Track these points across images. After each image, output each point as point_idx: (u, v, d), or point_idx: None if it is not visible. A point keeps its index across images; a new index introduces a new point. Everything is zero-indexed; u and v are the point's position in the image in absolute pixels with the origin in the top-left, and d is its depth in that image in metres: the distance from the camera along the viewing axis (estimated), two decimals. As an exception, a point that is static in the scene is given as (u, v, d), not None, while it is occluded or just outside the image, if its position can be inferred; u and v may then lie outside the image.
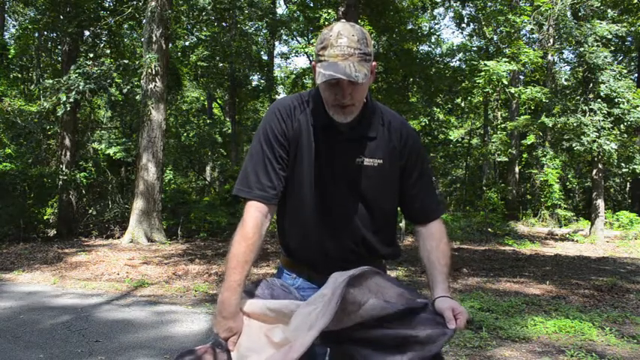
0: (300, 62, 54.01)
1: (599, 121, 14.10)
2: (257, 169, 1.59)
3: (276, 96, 21.41)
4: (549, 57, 17.28)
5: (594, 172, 15.90)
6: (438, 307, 1.49)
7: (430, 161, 23.89)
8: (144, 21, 12.70)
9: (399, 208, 1.77)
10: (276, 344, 1.45)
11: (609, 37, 14.57)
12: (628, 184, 23.98)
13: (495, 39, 18.73)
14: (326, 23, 13.76)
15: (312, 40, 14.56)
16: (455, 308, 1.47)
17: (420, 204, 1.70)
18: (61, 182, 12.73)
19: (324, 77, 1.47)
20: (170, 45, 14.20)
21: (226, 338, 1.50)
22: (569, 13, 14.90)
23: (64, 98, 11.20)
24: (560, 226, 18.58)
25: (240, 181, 1.62)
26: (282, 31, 20.04)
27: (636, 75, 21.04)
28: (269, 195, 1.58)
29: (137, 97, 12.67)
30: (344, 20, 1.60)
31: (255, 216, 1.55)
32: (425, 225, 1.70)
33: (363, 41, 1.50)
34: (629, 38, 20.60)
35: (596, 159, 15.27)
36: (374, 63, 1.55)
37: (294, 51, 21.43)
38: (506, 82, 13.96)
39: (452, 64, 20.25)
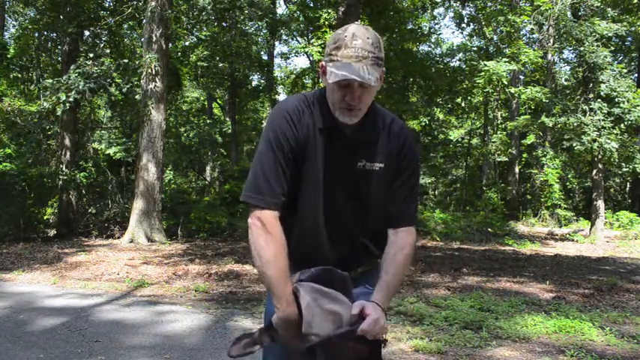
0: (300, 62, 54.05)
1: (599, 120, 14.10)
2: (268, 175, 1.57)
3: (276, 96, 21.38)
4: (549, 57, 17.28)
5: (594, 172, 15.89)
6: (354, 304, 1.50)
7: (432, 160, 23.96)
8: (144, 21, 12.70)
9: None
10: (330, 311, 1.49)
11: (609, 35, 14.57)
12: (628, 184, 23.98)
13: (495, 39, 18.72)
14: (326, 23, 13.75)
15: (312, 40, 14.50)
16: (365, 309, 1.47)
17: (394, 207, 1.66)
18: (61, 182, 12.72)
19: (337, 77, 1.46)
20: (170, 45, 14.19)
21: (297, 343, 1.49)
22: (569, 13, 14.90)
23: (64, 97, 11.19)
24: (560, 226, 18.57)
25: (253, 188, 1.58)
26: (282, 31, 20.00)
27: (636, 75, 21.03)
28: (280, 202, 1.58)
29: (137, 97, 12.66)
30: (358, 23, 1.59)
31: (275, 224, 1.55)
32: (394, 229, 1.67)
33: (377, 45, 1.50)
34: (629, 38, 20.60)
35: (596, 159, 15.26)
36: (383, 69, 1.55)
37: (294, 51, 21.37)
38: (506, 82, 13.96)
39: (452, 64, 20.23)
